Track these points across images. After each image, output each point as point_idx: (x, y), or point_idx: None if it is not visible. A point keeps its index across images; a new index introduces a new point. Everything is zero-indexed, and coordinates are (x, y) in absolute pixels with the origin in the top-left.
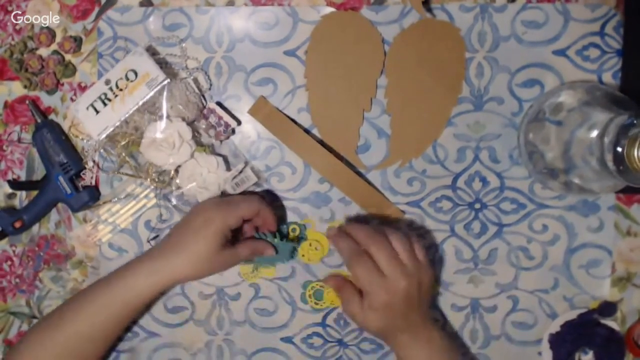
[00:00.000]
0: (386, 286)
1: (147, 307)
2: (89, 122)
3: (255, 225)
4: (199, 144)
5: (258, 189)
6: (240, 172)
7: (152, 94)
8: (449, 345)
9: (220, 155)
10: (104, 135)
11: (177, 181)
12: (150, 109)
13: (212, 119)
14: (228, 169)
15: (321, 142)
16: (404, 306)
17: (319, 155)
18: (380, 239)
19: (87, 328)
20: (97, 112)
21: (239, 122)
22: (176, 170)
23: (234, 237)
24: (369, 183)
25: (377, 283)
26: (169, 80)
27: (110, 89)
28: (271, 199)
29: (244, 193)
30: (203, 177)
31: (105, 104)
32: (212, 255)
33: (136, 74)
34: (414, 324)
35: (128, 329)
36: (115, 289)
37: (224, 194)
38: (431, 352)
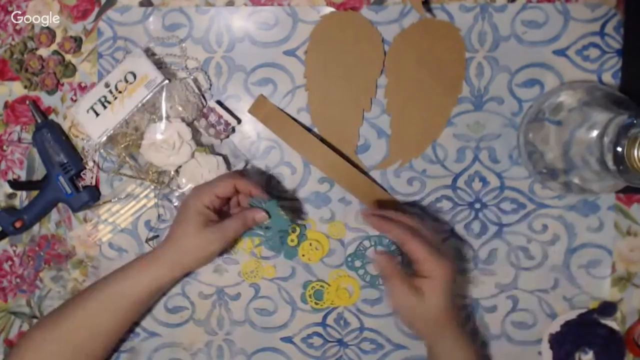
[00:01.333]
0: (444, 256)
1: (148, 307)
2: (89, 124)
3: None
4: (199, 144)
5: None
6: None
7: (150, 95)
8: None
9: (220, 155)
10: (104, 138)
11: (178, 181)
12: (150, 109)
13: (212, 118)
14: (228, 168)
15: (321, 140)
16: (453, 291)
17: (320, 152)
18: (425, 226)
19: (87, 324)
20: (97, 114)
21: (239, 121)
22: (176, 171)
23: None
24: (371, 179)
25: (437, 252)
26: (167, 81)
27: (110, 91)
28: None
29: None
30: (204, 177)
31: (105, 107)
32: (196, 236)
33: (135, 75)
34: (459, 321)
35: (130, 329)
36: (115, 283)
37: None
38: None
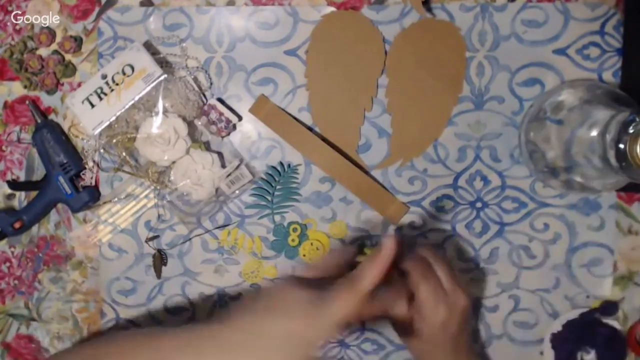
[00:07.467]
0: (447, 303)
1: None
2: (84, 116)
3: None
4: (194, 140)
5: (253, 186)
6: (235, 169)
7: (148, 89)
8: None
9: (215, 152)
10: (98, 130)
11: (172, 177)
12: (146, 105)
13: (213, 115)
14: (223, 166)
15: (322, 139)
16: (456, 328)
17: (321, 151)
18: (443, 261)
19: None
20: (93, 106)
21: (239, 118)
22: (170, 167)
23: None
24: (372, 178)
25: (442, 299)
26: (165, 75)
27: (107, 83)
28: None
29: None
30: (197, 174)
31: (101, 98)
32: None
33: (133, 68)
34: (460, 351)
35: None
36: None
37: (218, 192)
38: None
